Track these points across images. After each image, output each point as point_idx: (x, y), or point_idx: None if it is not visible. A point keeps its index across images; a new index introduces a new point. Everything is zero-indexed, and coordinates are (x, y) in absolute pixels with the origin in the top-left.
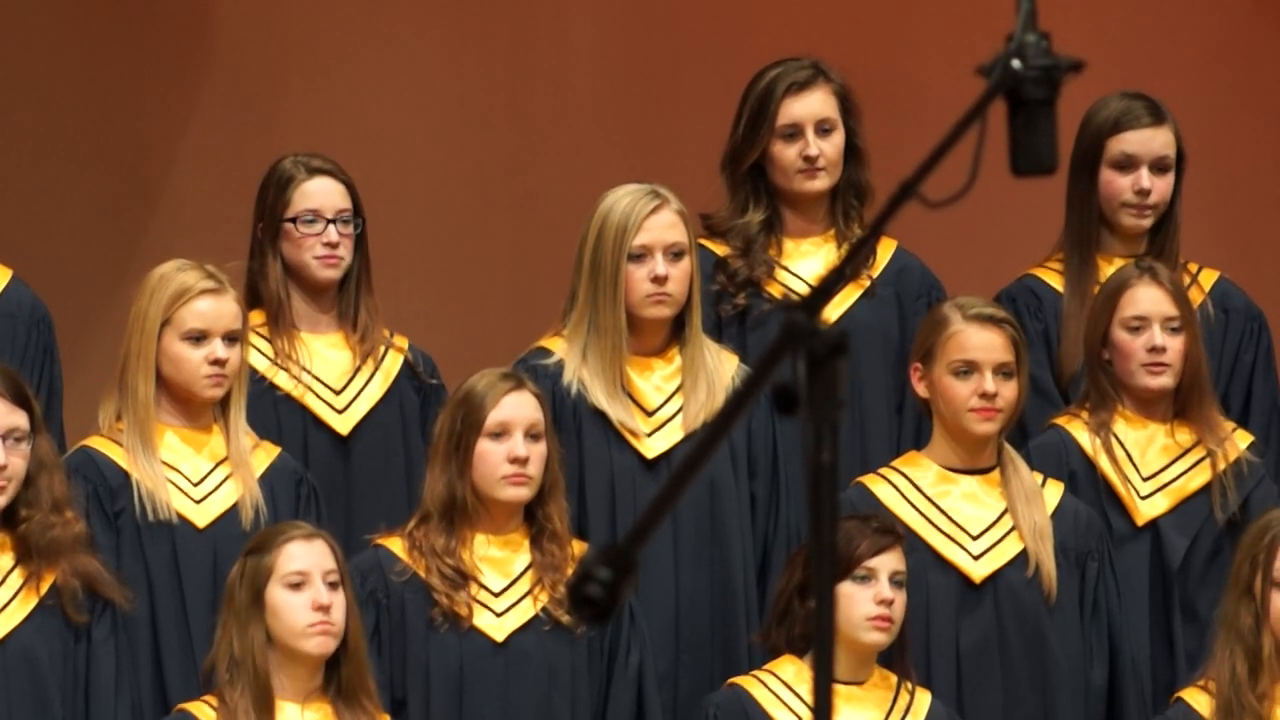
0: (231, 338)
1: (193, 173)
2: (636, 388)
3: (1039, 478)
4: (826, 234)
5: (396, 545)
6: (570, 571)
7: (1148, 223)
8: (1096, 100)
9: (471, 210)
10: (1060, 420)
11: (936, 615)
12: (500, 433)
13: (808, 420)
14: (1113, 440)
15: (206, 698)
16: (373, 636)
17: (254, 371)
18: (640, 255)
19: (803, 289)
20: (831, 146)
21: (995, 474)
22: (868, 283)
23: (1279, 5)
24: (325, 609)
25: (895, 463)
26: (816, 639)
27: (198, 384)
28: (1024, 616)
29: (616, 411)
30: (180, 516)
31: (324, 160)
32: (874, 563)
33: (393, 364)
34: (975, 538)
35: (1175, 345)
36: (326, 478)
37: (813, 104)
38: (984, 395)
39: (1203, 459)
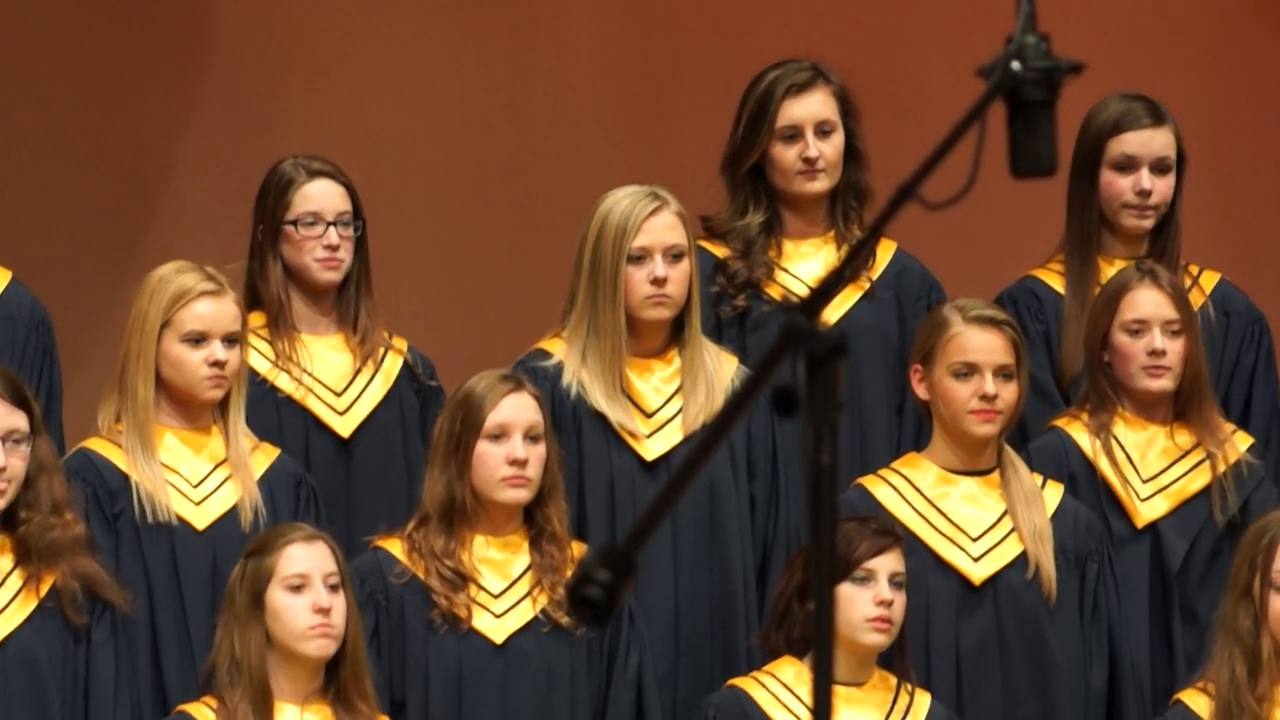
0: (231, 339)
1: (193, 174)
2: (636, 389)
3: (1039, 479)
4: (826, 235)
5: (396, 547)
6: (569, 573)
7: (1149, 224)
8: (1097, 102)
9: (471, 211)
10: (1060, 422)
11: (936, 617)
12: (499, 434)
13: (807, 422)
14: (1113, 442)
15: (206, 699)
16: (372, 638)
17: (255, 374)
18: (639, 257)
19: (802, 290)
20: (831, 148)
21: (995, 476)
22: (867, 284)
23: (1278, 6)
24: (325, 611)
25: (895, 464)
26: (816, 640)
27: (197, 386)
28: (1024, 618)
29: (616, 413)
30: (179, 518)
31: (324, 162)
32: (873, 564)
33: (392, 366)
34: (975, 539)
35: (1175, 348)
36: (328, 480)
37: (812, 105)
38: (984, 397)
39: (1202, 461)
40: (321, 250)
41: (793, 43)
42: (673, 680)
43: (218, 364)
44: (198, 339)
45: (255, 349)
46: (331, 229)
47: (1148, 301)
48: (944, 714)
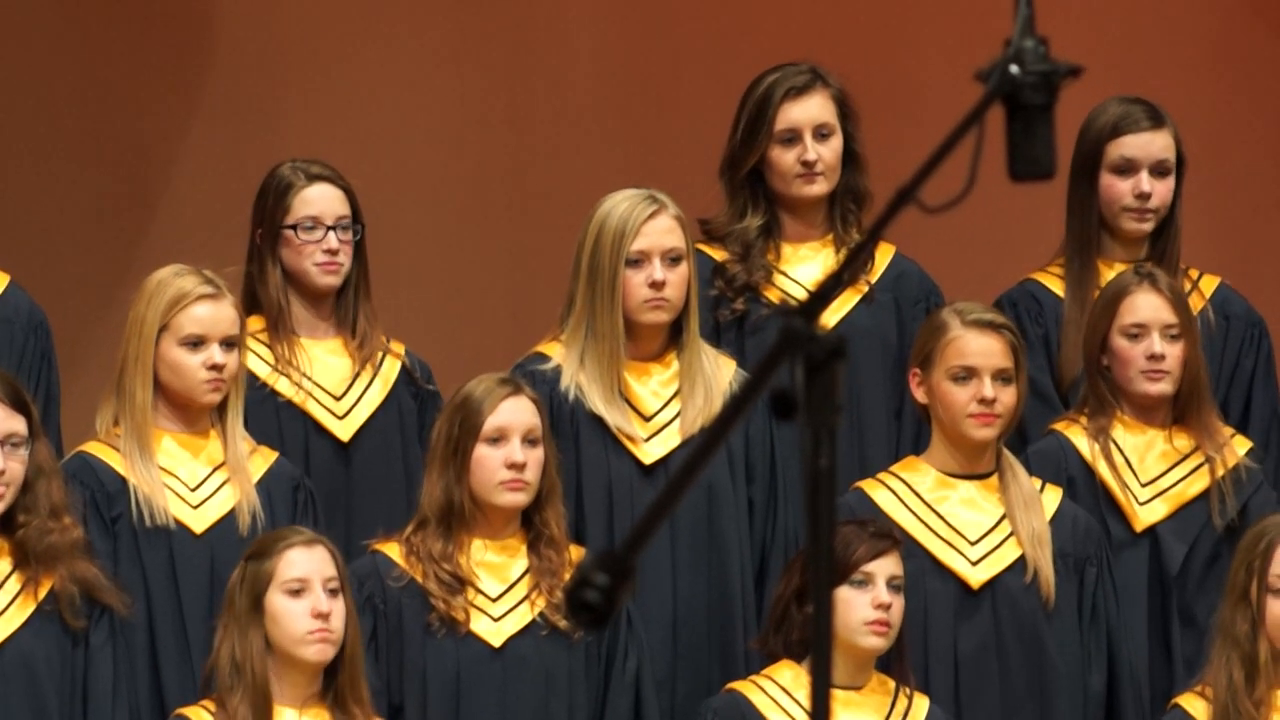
0: (229, 343)
1: (191, 176)
2: (634, 393)
3: (1038, 483)
4: (825, 239)
5: (393, 551)
6: (567, 577)
7: (1149, 226)
8: (1096, 105)
9: (470, 214)
10: (1059, 426)
11: (935, 621)
12: (498, 438)
13: (805, 425)
14: (1111, 446)
15: (204, 702)
16: (370, 642)
17: (255, 378)
18: (638, 260)
19: (801, 294)
20: (830, 151)
21: (994, 479)
22: (866, 288)
23: (1278, 8)
24: (325, 616)
25: (894, 468)
26: (814, 644)
27: (195, 389)
28: (1022, 622)
29: (614, 417)
30: (177, 522)
31: (323, 166)
32: (871, 567)
33: (391, 370)
34: (973, 543)
35: (1174, 352)
36: (328, 484)
37: (811, 109)
38: (982, 401)
39: (1201, 465)
40: (321, 255)
41: (791, 46)
42: (671, 684)
43: (216, 367)
44: (196, 342)
45: (255, 353)
46: (331, 233)
47: (1146, 305)
48: (942, 718)
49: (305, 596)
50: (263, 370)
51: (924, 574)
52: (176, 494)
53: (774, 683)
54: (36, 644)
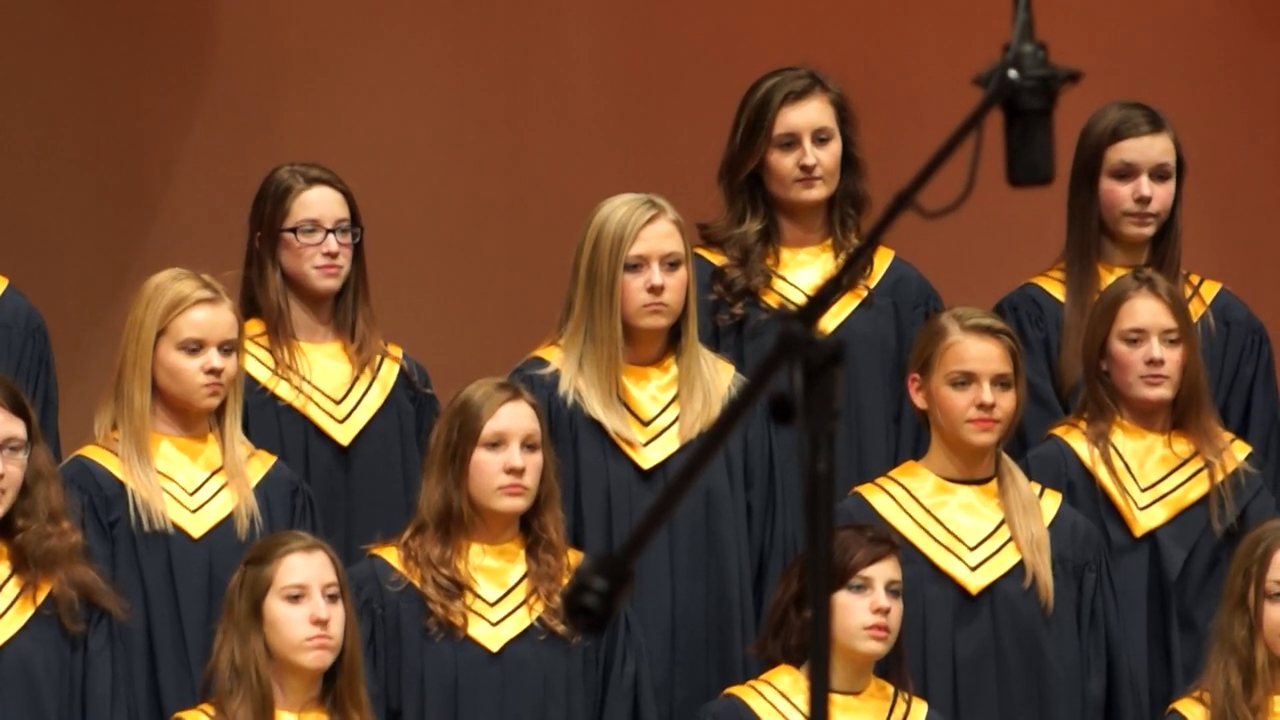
0: (227, 347)
1: (190, 180)
2: (633, 398)
3: (1037, 488)
4: (824, 243)
5: (392, 555)
6: (566, 581)
7: (1149, 231)
8: (1095, 110)
9: (468, 218)
10: (1058, 431)
11: (933, 626)
12: (497, 443)
13: (804, 430)
14: (1111, 451)
15: (203, 706)
16: (368, 646)
17: (255, 382)
18: (636, 265)
19: (800, 299)
20: (828, 156)
21: (993, 485)
22: (865, 293)
23: (1277, 13)
24: (323, 623)
25: (893, 473)
26: (813, 648)
27: (194, 394)
28: (1021, 627)
29: (613, 421)
30: (175, 526)
31: (321, 170)
32: (870, 572)
33: (389, 373)
34: (972, 549)
35: (1173, 357)
36: (327, 488)
37: (810, 113)
38: (982, 406)
39: (1201, 470)
40: (320, 258)
41: (790, 51)
42: (669, 689)
43: (214, 372)
44: (194, 347)
45: (254, 357)
46: (330, 236)
47: (1145, 310)
48: None
49: (304, 603)
50: (263, 374)
51: (923, 579)
52: (175, 498)
53: (772, 688)
54: (35, 648)
